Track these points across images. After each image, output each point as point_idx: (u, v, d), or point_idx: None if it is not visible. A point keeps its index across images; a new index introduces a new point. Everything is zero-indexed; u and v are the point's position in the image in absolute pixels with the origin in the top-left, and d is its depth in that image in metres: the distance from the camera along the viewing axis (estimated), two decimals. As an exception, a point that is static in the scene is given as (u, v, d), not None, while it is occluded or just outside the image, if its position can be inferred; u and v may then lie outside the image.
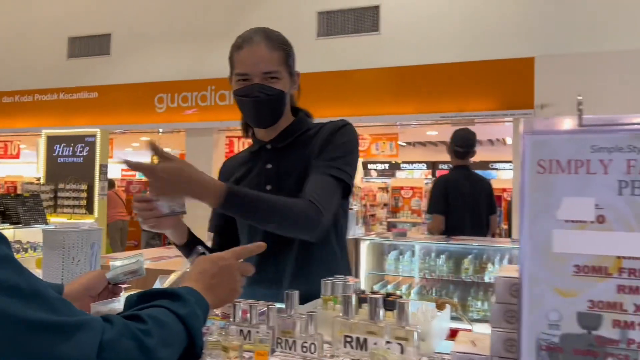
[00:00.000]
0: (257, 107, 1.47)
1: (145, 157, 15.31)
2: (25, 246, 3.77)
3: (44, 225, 4.18)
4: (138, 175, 16.15)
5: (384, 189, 12.07)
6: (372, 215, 11.19)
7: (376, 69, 8.99)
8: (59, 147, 6.93)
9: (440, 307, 1.09)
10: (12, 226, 4.07)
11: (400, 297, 1.13)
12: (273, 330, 0.94)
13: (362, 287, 3.99)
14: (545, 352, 0.65)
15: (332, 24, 9.50)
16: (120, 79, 9.98)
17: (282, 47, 1.49)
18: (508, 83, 7.95)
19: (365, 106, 9.11)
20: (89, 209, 6.49)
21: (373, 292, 1.12)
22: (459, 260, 3.92)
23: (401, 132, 10.83)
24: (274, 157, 1.55)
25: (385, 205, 11.66)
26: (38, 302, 0.65)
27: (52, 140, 7.02)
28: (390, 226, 10.26)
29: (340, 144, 1.49)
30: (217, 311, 1.13)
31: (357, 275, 3.79)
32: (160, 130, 10.03)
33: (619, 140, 0.64)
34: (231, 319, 0.98)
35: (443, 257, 3.94)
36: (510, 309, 0.70)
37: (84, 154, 6.74)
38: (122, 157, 1.19)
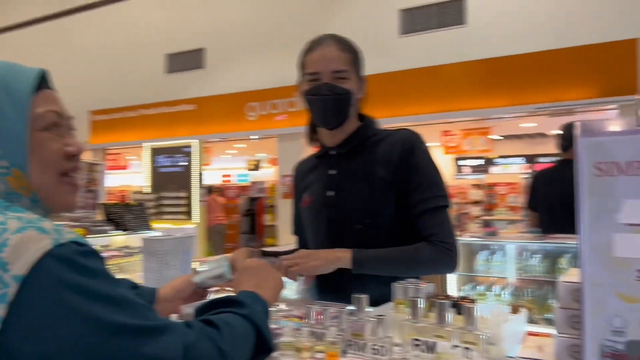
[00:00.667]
0: (325, 106, 1.50)
1: (239, 163, 15.99)
2: (133, 251, 4.11)
3: (149, 232, 4.54)
4: (234, 181, 16.90)
5: (477, 186, 11.67)
6: (466, 214, 10.87)
7: (464, 63, 8.74)
8: (161, 158, 7.46)
9: (515, 310, 1.07)
10: (122, 233, 4.45)
11: (473, 300, 1.12)
12: (345, 332, 0.98)
13: (452, 288, 3.92)
14: (610, 359, 0.63)
15: (415, 20, 9.37)
16: (214, 90, 10.52)
17: (351, 50, 1.54)
18: (608, 68, 7.40)
19: (454, 101, 8.88)
20: (189, 214, 6.93)
21: (445, 296, 1.13)
22: (555, 259, 3.73)
23: (494, 126, 10.43)
24: (338, 162, 1.58)
25: (478, 202, 11.28)
26: (128, 309, 0.74)
27: (154, 152, 7.58)
28: (485, 224, 9.92)
29: (426, 170, 1.50)
30: (296, 312, 1.20)
31: (443, 277, 3.73)
32: (253, 136, 10.43)
33: (683, 139, 0.61)
34: (306, 321, 1.03)
35: (538, 256, 3.77)
36: (574, 314, 0.69)
37: (183, 163, 7.21)
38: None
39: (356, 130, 1.59)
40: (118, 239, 4.47)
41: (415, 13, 9.40)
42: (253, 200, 10.42)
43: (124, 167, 13.09)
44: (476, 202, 11.39)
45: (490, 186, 10.74)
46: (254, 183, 11.22)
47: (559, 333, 0.69)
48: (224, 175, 16.91)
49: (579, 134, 0.66)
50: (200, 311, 0.92)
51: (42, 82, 0.87)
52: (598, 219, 0.64)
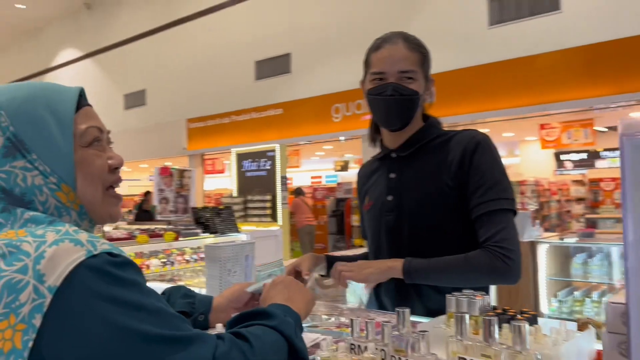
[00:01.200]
0: (389, 107, 1.44)
1: (328, 164, 16.16)
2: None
3: (236, 234, 4.70)
4: (324, 182, 17.10)
5: (579, 182, 10.87)
6: (567, 212, 10.17)
7: (561, 51, 8.19)
8: (246, 163, 7.73)
9: (582, 327, 0.96)
10: (211, 235, 4.64)
11: (534, 315, 1.03)
12: (387, 348, 0.94)
13: (542, 294, 3.66)
14: (664, 395, 0.54)
15: (505, 9, 8.93)
16: (300, 94, 10.71)
17: (419, 50, 1.47)
18: None
19: (552, 92, 8.35)
20: (274, 217, 7.12)
21: (501, 310, 1.05)
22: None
23: (597, 117, 9.67)
24: (398, 166, 1.52)
25: (581, 200, 10.50)
26: (159, 319, 0.75)
27: (240, 157, 7.88)
28: (589, 223, 9.23)
29: (488, 171, 1.38)
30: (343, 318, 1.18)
31: (535, 283, 3.48)
32: (342, 138, 10.47)
33: None
34: (350, 334, 1.00)
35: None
36: (623, 340, 0.60)
37: (267, 167, 7.42)
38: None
39: (418, 131, 1.51)
40: (207, 241, 4.67)
41: (505, 2, 8.96)
42: (340, 201, 10.47)
43: (221, 171, 13.69)
44: (579, 199, 10.61)
45: (595, 182, 9.95)
46: (340, 184, 11.28)
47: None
48: (313, 177, 17.17)
49: (621, 133, 0.57)
50: (230, 324, 0.92)
51: (81, 99, 0.91)
52: (646, 231, 0.55)
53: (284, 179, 7.47)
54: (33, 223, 0.78)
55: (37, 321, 0.68)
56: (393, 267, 1.37)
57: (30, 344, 0.67)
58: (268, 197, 7.25)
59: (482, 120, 9.24)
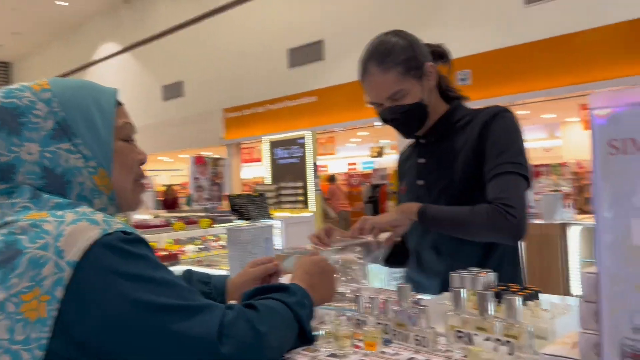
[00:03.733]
0: (398, 126, 1.52)
1: (364, 151, 16.11)
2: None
3: (269, 220, 4.79)
4: (359, 169, 17.07)
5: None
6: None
7: (602, 28, 7.89)
8: (279, 150, 7.81)
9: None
10: (245, 222, 4.75)
11: (536, 291, 1.05)
12: (390, 322, 0.98)
13: (573, 276, 3.59)
14: (631, 359, 0.56)
15: (542, -13, 8.64)
16: (334, 80, 10.70)
17: (397, 61, 1.44)
18: None
19: (593, 71, 8.07)
20: (306, 203, 7.20)
21: (505, 286, 1.07)
22: None
23: (642, 95, 9.29)
24: (427, 151, 1.57)
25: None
26: (168, 290, 0.82)
27: (272, 145, 7.97)
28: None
29: (501, 137, 1.41)
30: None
31: (565, 264, 3.42)
32: (377, 123, 10.42)
33: None
34: (356, 310, 1.04)
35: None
36: (598, 309, 0.62)
37: (299, 154, 7.48)
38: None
39: (443, 116, 1.55)
40: (230, 227, 4.77)
41: (542, -21, 8.67)
42: (375, 187, 10.46)
43: (258, 160, 13.86)
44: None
45: None
46: (375, 170, 11.25)
47: (583, 329, 0.63)
48: (350, 164, 17.17)
49: (590, 107, 0.59)
50: (248, 296, 0.98)
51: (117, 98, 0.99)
52: (614, 204, 0.57)
53: (315, 165, 7.52)
54: (56, 208, 0.85)
55: (59, 293, 0.75)
56: (410, 208, 1.44)
57: (54, 313, 0.75)
58: (300, 184, 7.32)
59: (522, 102, 9.02)
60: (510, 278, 1.36)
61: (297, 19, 11.67)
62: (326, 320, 0.94)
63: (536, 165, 9.46)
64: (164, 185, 12.42)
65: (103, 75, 17.58)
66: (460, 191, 1.46)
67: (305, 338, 0.94)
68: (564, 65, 8.30)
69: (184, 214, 5.10)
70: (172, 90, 15.26)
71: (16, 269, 0.76)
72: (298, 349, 0.93)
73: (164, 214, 5.80)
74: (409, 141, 1.68)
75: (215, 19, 13.74)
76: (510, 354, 0.82)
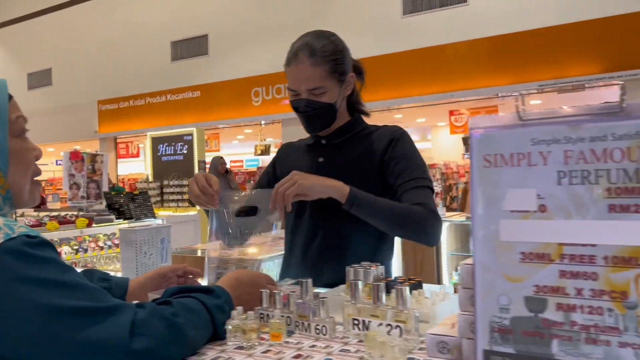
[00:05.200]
0: (307, 120, 1.58)
1: (249, 149, 16.07)
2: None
3: (152, 219, 4.64)
4: (244, 166, 17.00)
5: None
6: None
7: (468, 42, 8.69)
8: (163, 147, 7.58)
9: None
10: (126, 221, 4.55)
11: (419, 281, 1.19)
12: (292, 314, 1.05)
13: (444, 268, 3.97)
14: (498, 334, 0.69)
15: (418, 0, 9.28)
16: (219, 76, 10.57)
17: (327, 60, 1.51)
18: (612, 43, 7.30)
19: (459, 81, 8.85)
20: (192, 201, 7.06)
21: (392, 278, 1.19)
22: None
23: (500, 104, 10.37)
24: (327, 151, 1.66)
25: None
26: (78, 293, 0.81)
27: (156, 141, 7.71)
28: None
29: (412, 156, 1.56)
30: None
31: (438, 258, 3.79)
32: (263, 122, 10.47)
33: (556, 132, 0.66)
34: (264, 305, 1.10)
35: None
36: (473, 294, 0.75)
37: (184, 151, 7.32)
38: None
39: (347, 123, 1.66)
40: (123, 226, 4.57)
41: (417, -8, 9.31)
42: (260, 185, 10.47)
43: (136, 155, 13.23)
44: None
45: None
46: (260, 168, 11.30)
47: (462, 311, 0.75)
48: (234, 161, 17.03)
49: (470, 127, 0.71)
50: (170, 294, 1.00)
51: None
52: (487, 207, 0.70)
53: (202, 163, 7.40)
54: None
55: None
56: (339, 187, 1.40)
57: None
58: (185, 182, 7.16)
59: (398, 107, 9.63)
60: (388, 271, 1.58)
61: (181, 12, 11.34)
62: (233, 315, 0.99)
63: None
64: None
65: (-46, 57, 15.65)
66: None
67: (217, 334, 0.98)
68: (434, 74, 9.01)
69: (56, 213, 4.77)
70: (39, 78, 14.03)
71: None
72: (207, 344, 0.97)
73: (31, 212, 5.36)
74: (291, 138, 1.77)
75: (90, 4, 12.86)
76: (400, 336, 0.93)
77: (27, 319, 0.76)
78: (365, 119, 1.72)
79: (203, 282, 1.44)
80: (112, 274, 1.29)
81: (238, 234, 1.52)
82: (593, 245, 0.64)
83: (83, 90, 12.88)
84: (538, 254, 0.67)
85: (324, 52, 1.52)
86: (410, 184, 1.51)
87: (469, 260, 0.77)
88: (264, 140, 14.46)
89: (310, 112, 1.55)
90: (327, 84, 1.52)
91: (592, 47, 7.52)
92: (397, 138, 1.58)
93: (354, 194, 1.41)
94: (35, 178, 1.00)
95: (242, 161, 17.91)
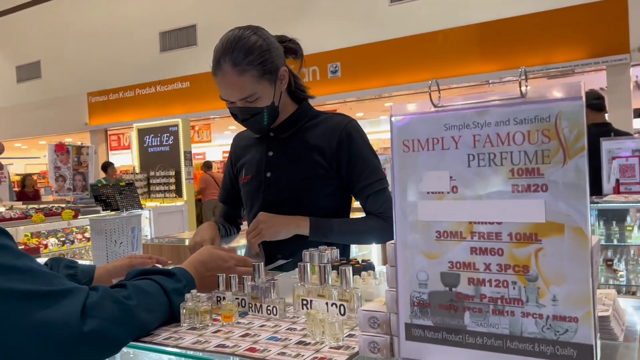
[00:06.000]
0: (246, 124, 1.59)
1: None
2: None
3: (139, 210, 4.67)
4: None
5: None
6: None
7: (456, 28, 8.70)
8: (149, 138, 7.60)
9: (408, 271, 1.18)
10: (113, 213, 4.58)
11: (370, 263, 1.23)
12: (247, 296, 1.10)
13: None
14: (417, 307, 0.74)
15: (405, -13, 9.27)
16: (208, 67, 10.52)
17: (253, 65, 1.45)
18: (598, 28, 7.34)
19: (448, 68, 8.87)
20: (178, 192, 7.11)
21: (342, 261, 1.24)
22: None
23: (489, 91, 10.40)
24: (276, 145, 1.65)
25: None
26: (31, 278, 0.85)
27: (142, 132, 7.72)
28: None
29: (365, 156, 1.60)
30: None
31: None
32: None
33: (466, 118, 0.70)
34: (220, 289, 1.15)
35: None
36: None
37: (170, 142, 7.35)
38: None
39: (293, 114, 1.65)
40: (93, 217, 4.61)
41: (405, -20, 9.30)
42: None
43: (127, 147, 13.20)
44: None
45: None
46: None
47: (389, 288, 0.80)
48: (225, 152, 17.04)
49: (391, 115, 0.75)
50: (131, 276, 1.04)
51: None
52: (406, 189, 0.74)
53: (188, 154, 7.43)
54: None
55: None
56: (301, 224, 1.53)
57: None
58: (172, 173, 7.20)
59: (389, 94, 9.66)
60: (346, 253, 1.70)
61: (169, 2, 11.28)
62: (187, 297, 1.04)
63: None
64: (18, 175, 11.36)
65: (-58, 51, 15.52)
66: (305, 187, 1.61)
67: (175, 320, 1.02)
68: (423, 61, 9.03)
69: (42, 206, 4.79)
70: (28, 71, 13.95)
71: None
72: (163, 326, 1.02)
73: (20, 205, 5.38)
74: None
75: (76, -5, 12.77)
76: (342, 314, 0.98)
77: None
78: (311, 102, 1.71)
79: None
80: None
81: None
82: (499, 223, 0.68)
83: (72, 82, 12.83)
84: (452, 232, 0.71)
85: (248, 56, 1.44)
86: (369, 190, 1.59)
87: (393, 239, 0.81)
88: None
89: (249, 118, 1.54)
90: (257, 89, 1.47)
91: (579, 33, 7.55)
92: (348, 135, 1.58)
93: (316, 225, 1.54)
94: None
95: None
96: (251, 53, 1.45)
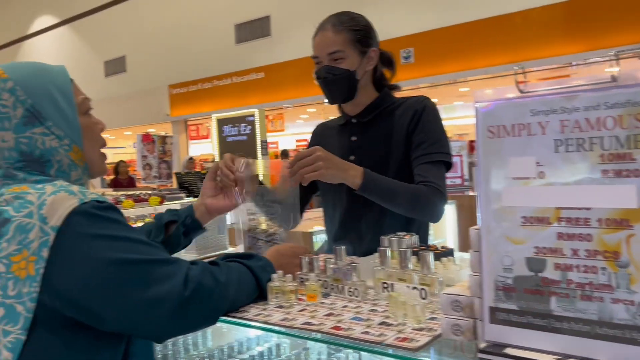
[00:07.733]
0: (327, 87, 1.63)
1: (313, 127, 16.25)
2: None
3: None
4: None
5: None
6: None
7: (538, 8, 8.30)
8: (227, 128, 7.86)
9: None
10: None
11: (450, 250, 1.24)
12: (328, 278, 1.15)
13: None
14: (502, 292, 0.75)
15: (482, -32, 8.94)
16: (281, 57, 10.72)
17: (350, 29, 1.59)
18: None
19: (527, 50, 8.49)
20: (256, 179, 7.34)
21: (422, 247, 1.26)
22: None
23: (573, 73, 9.86)
24: (359, 130, 1.70)
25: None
26: (140, 248, 0.94)
27: (220, 122, 7.99)
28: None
29: (431, 128, 1.60)
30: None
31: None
32: (325, 100, 10.55)
33: (553, 103, 0.70)
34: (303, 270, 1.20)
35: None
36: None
37: (247, 132, 7.56)
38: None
39: (375, 100, 1.70)
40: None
41: (483, -40, 8.97)
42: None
43: (206, 137, 13.72)
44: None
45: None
46: (324, 146, 11.37)
47: (472, 272, 0.81)
48: (298, 140, 17.28)
49: (475, 101, 0.76)
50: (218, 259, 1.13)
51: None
52: (491, 174, 0.75)
53: (264, 143, 7.62)
54: (34, 182, 0.96)
55: (45, 253, 0.87)
56: (353, 175, 1.44)
57: (41, 271, 0.86)
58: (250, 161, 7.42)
59: (464, 79, 9.41)
60: (424, 240, 1.63)
61: (243, -6, 11.55)
62: (274, 278, 1.10)
63: (472, 141, 9.94)
64: (109, 164, 12.11)
65: (40, 50, 16.81)
66: (388, 169, 1.61)
67: (261, 297, 1.10)
68: (501, 44, 8.69)
69: (130, 192, 5.11)
70: (115, 66, 14.82)
71: (5, 235, 0.87)
72: (252, 304, 1.09)
73: (111, 192, 5.77)
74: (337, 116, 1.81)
75: (157, -8, 13.37)
76: (423, 298, 1.00)
77: (96, 269, 0.89)
78: (395, 93, 1.74)
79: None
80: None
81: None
82: (588, 209, 0.68)
83: (155, 75, 13.49)
84: (538, 218, 0.72)
85: (349, 22, 1.60)
86: (424, 159, 1.56)
87: (477, 225, 0.82)
88: (328, 119, 14.57)
89: (330, 78, 1.59)
90: (347, 49, 1.58)
91: (675, 8, 6.98)
92: (420, 110, 1.61)
93: (369, 176, 1.45)
94: (102, 150, 1.14)
95: (306, 140, 18.12)
96: (353, 20, 1.61)
